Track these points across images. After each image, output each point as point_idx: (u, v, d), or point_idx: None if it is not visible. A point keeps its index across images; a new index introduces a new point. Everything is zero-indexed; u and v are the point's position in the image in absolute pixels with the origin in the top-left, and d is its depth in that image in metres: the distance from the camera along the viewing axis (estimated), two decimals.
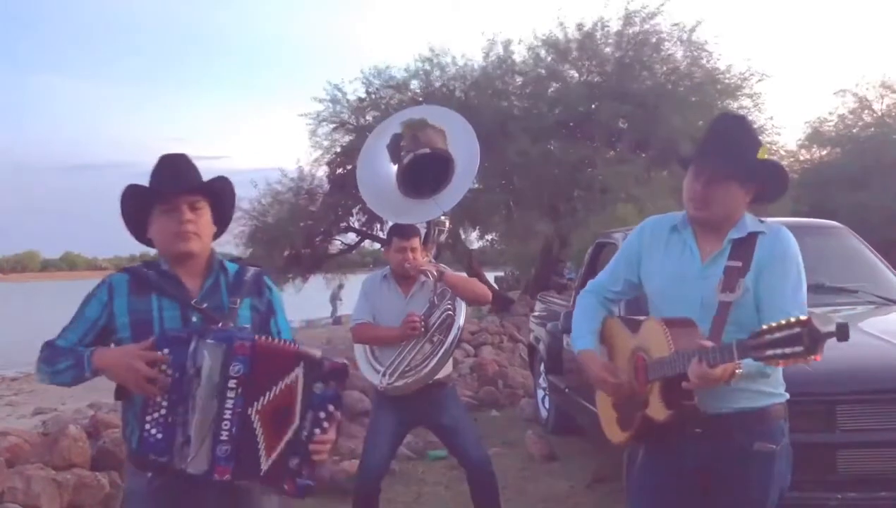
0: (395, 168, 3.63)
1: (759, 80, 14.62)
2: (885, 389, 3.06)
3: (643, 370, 2.10)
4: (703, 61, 14.79)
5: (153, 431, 1.83)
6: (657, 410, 2.04)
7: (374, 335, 3.52)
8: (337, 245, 17.77)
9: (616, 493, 4.21)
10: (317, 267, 17.62)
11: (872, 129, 17.44)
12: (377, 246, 16.54)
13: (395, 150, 3.63)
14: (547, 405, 6.37)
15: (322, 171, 16.59)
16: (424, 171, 3.54)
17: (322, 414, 1.87)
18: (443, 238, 3.68)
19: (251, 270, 2.13)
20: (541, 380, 6.52)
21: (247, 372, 1.84)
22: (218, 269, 2.08)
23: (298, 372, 1.87)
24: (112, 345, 1.98)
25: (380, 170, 3.68)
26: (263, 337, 1.92)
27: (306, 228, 16.45)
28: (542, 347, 6.38)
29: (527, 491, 4.81)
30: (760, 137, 2.33)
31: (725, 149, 2.09)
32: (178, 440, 1.82)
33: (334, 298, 22.74)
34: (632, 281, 2.31)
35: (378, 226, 15.40)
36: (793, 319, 1.66)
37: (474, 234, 17.33)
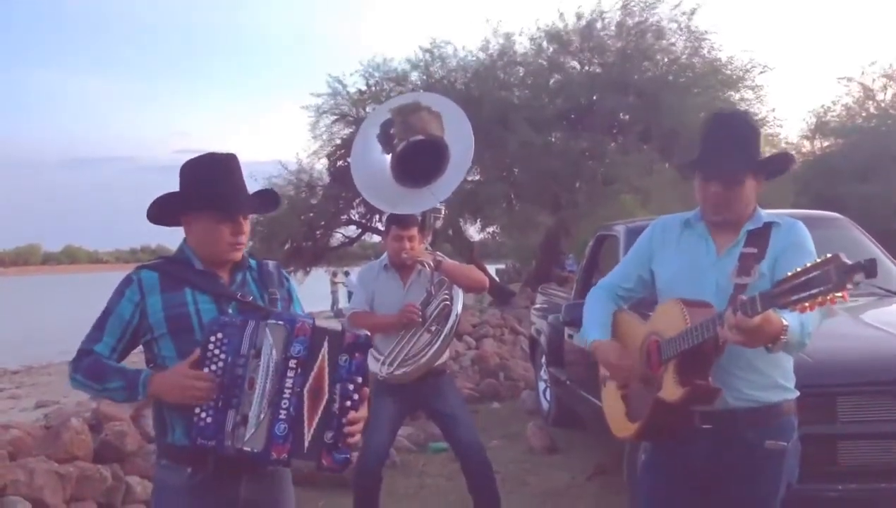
0: (388, 157, 3.60)
1: (762, 72, 14.60)
2: (886, 380, 3.05)
3: (656, 352, 2.08)
4: (704, 51, 14.76)
5: (203, 415, 1.85)
6: (670, 390, 2.00)
7: (370, 322, 3.51)
8: (338, 237, 17.80)
9: (616, 485, 4.21)
10: (318, 260, 17.64)
11: (875, 120, 17.35)
12: (378, 238, 16.56)
13: (386, 138, 3.59)
14: (548, 397, 6.37)
15: (322, 164, 16.61)
16: (418, 159, 3.50)
17: (350, 386, 1.91)
18: (439, 224, 3.66)
19: (271, 263, 2.19)
20: (542, 373, 6.52)
21: (305, 352, 1.89)
22: (245, 264, 2.11)
23: (325, 347, 1.91)
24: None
25: (373, 160, 3.64)
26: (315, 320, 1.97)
27: (307, 221, 16.46)
28: (543, 339, 6.38)
29: (528, 483, 4.82)
30: (759, 128, 2.33)
31: (736, 149, 2.07)
32: (231, 421, 1.85)
33: (333, 289, 22.03)
34: (644, 278, 2.31)
35: (378, 217, 15.39)
36: (819, 260, 1.62)
37: (475, 227, 17.36)
